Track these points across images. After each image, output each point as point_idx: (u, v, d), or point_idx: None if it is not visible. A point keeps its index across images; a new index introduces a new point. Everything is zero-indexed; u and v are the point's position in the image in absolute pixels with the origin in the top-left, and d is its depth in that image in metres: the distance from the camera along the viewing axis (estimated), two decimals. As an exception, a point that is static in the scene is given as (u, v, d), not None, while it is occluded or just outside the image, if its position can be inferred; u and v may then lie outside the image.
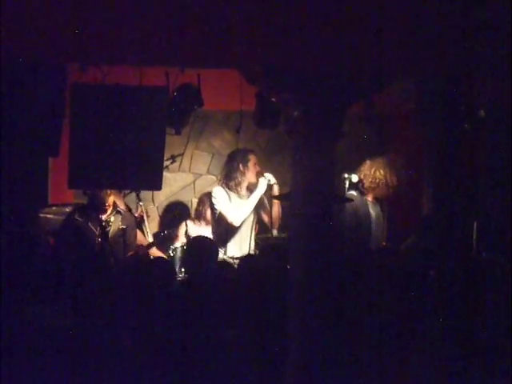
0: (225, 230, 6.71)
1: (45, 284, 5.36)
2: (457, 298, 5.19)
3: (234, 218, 6.62)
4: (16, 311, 4.96)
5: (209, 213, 6.97)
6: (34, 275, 5.39)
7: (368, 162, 6.52)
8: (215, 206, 6.71)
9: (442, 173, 6.40)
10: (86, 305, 5.14)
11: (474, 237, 5.90)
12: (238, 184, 6.72)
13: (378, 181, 6.44)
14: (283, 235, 6.63)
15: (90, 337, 4.93)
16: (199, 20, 4.39)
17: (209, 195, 6.98)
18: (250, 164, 6.72)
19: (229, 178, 6.75)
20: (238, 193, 6.71)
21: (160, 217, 7.95)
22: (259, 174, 6.69)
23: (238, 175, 6.73)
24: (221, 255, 6.41)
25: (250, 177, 6.71)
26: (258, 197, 6.65)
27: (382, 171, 6.42)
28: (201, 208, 7.25)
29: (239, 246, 6.67)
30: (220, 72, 5.77)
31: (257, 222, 6.79)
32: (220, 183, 6.82)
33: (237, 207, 6.63)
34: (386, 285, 5.11)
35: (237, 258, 6.39)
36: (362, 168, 6.52)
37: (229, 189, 6.72)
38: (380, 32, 4.45)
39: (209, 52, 4.52)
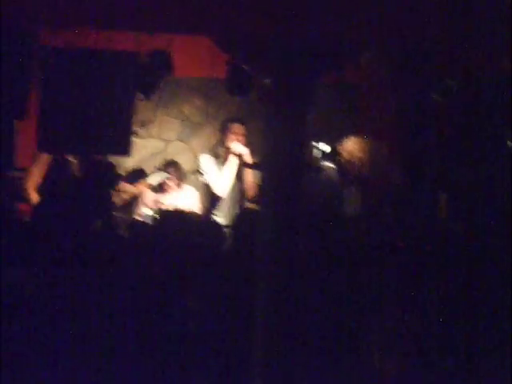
0: (212, 198, 6.80)
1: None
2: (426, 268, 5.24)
3: (217, 189, 6.72)
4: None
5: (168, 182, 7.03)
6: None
7: (352, 140, 6.40)
8: (201, 173, 6.87)
9: (412, 144, 6.43)
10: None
11: (443, 208, 5.96)
12: (219, 153, 6.87)
13: (356, 162, 6.37)
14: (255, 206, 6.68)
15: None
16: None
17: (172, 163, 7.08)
18: (229, 131, 6.79)
19: (215, 147, 6.97)
20: (222, 162, 6.80)
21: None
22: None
23: (220, 144, 6.83)
24: None
25: (229, 145, 6.80)
26: (234, 166, 6.72)
27: (362, 154, 6.30)
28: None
29: (225, 215, 6.72)
30: (191, 38, 5.73)
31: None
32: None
33: (221, 177, 6.72)
34: (352, 256, 5.15)
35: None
36: (345, 143, 6.42)
37: (215, 158, 6.84)
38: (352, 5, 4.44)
39: (180, 17, 4.48)
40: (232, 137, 6.82)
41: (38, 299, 4.68)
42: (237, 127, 6.85)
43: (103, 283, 4.79)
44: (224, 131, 6.90)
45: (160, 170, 7.12)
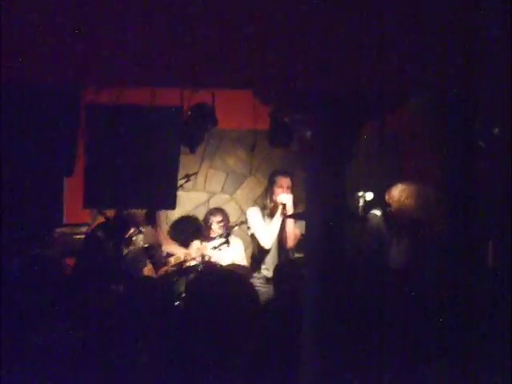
0: (258, 251, 6.81)
1: (62, 307, 5.36)
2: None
3: (263, 242, 6.73)
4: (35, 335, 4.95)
5: (214, 226, 7.04)
6: (50, 297, 5.40)
7: (399, 187, 6.33)
8: (249, 227, 6.92)
9: (458, 193, 6.35)
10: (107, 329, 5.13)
11: (490, 258, 5.86)
12: (266, 205, 6.94)
13: (405, 209, 6.31)
14: (297, 255, 6.66)
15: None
16: (213, 41, 4.41)
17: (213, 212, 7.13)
18: (276, 185, 6.83)
19: (262, 199, 7.08)
20: (268, 214, 6.83)
21: (171, 237, 7.94)
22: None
23: (267, 196, 6.86)
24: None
25: (275, 198, 6.83)
26: (278, 219, 6.74)
27: (411, 201, 6.24)
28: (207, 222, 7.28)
29: (269, 267, 6.73)
30: (234, 92, 5.80)
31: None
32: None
33: (267, 230, 6.75)
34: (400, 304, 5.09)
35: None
36: (393, 191, 6.34)
37: (262, 210, 6.95)
38: (392, 51, 4.46)
39: (222, 73, 4.54)
40: (279, 190, 6.85)
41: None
42: (283, 180, 6.89)
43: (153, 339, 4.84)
44: (271, 184, 6.94)
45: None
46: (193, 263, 6.76)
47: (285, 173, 6.99)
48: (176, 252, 6.91)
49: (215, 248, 6.77)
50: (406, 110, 5.87)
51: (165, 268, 6.54)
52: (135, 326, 5.06)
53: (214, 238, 7.04)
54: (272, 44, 4.36)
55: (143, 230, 6.51)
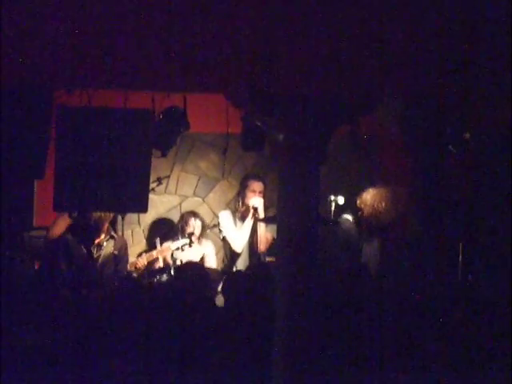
0: (229, 254, 6.91)
1: (30, 307, 5.33)
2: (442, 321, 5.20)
3: (235, 246, 6.76)
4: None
5: (192, 229, 7.03)
6: (18, 298, 5.37)
7: (371, 192, 6.33)
8: (221, 230, 6.95)
9: (429, 196, 6.40)
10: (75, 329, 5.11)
11: (460, 259, 5.91)
12: (237, 209, 6.95)
13: (378, 213, 6.32)
14: (268, 259, 6.67)
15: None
16: (185, 45, 4.41)
17: (192, 213, 7.12)
18: (248, 189, 6.84)
19: (234, 203, 7.11)
20: (239, 218, 6.84)
21: (146, 239, 7.92)
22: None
23: (239, 200, 6.91)
24: None
25: (247, 202, 6.84)
26: (249, 223, 6.76)
27: (383, 204, 6.24)
28: (184, 225, 7.25)
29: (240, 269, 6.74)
30: (206, 95, 5.80)
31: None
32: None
33: (238, 233, 6.76)
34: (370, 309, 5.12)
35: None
36: (364, 196, 6.33)
37: (234, 213, 6.97)
38: (365, 54, 4.48)
39: (194, 77, 4.54)
40: (251, 194, 6.85)
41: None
42: (256, 184, 6.89)
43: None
44: (243, 187, 6.94)
45: (182, 228, 7.10)
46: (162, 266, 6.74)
47: (257, 177, 7.00)
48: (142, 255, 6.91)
49: (178, 249, 6.78)
50: (378, 113, 5.90)
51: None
52: (106, 329, 5.05)
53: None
54: (244, 47, 4.37)
55: (115, 235, 6.48)
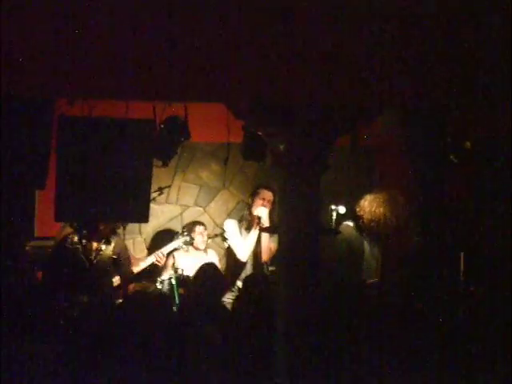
0: (233, 263, 6.89)
1: (32, 316, 5.32)
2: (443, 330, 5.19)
3: (240, 255, 6.76)
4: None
5: (198, 239, 7.04)
6: (20, 308, 5.36)
7: (368, 198, 6.34)
8: (226, 238, 6.92)
9: (430, 206, 6.40)
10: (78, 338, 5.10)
11: (462, 269, 5.90)
12: (245, 217, 6.95)
13: (377, 219, 6.31)
14: (272, 269, 6.66)
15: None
16: (186, 55, 4.42)
17: (195, 223, 7.12)
18: (257, 197, 6.84)
19: (240, 211, 7.15)
20: (245, 227, 6.83)
21: (148, 249, 7.92)
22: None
23: (247, 209, 6.95)
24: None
25: (253, 211, 6.84)
26: (255, 232, 6.77)
27: (381, 209, 6.24)
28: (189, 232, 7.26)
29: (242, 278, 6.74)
30: (207, 105, 5.80)
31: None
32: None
33: (244, 242, 6.76)
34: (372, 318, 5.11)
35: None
36: (362, 203, 6.34)
37: (239, 222, 6.96)
38: (365, 66, 4.49)
39: (195, 87, 4.55)
40: (259, 201, 6.84)
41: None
42: (266, 193, 6.89)
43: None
44: (253, 195, 6.94)
45: (183, 233, 7.12)
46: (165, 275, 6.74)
47: (268, 187, 6.99)
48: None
49: (170, 253, 6.80)
50: (379, 123, 5.92)
51: (132, 285, 6.51)
52: (106, 336, 5.03)
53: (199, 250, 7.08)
54: (246, 58, 4.38)
55: (111, 239, 6.48)
